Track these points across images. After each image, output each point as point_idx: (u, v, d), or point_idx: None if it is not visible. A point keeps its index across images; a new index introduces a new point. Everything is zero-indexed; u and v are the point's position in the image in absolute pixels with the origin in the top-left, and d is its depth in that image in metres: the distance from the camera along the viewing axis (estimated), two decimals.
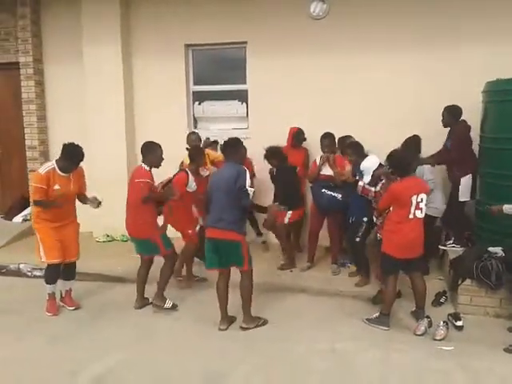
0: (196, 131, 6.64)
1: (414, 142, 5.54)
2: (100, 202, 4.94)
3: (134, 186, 4.68)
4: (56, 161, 4.66)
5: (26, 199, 7.55)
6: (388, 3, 6.34)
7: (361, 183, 4.94)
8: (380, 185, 4.87)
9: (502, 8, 5.94)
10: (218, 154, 5.89)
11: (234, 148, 4.48)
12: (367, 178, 4.97)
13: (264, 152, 5.90)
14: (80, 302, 5.09)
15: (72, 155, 4.61)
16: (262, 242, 6.76)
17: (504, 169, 5.02)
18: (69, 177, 4.69)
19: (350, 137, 5.95)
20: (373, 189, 4.79)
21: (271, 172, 6.13)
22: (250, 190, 4.25)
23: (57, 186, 4.58)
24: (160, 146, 4.82)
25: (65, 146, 4.62)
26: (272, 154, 5.91)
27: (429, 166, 5.44)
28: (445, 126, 5.58)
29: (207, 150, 5.91)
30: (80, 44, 7.17)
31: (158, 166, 4.81)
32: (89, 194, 5.01)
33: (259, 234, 6.81)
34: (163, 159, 4.84)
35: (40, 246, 4.72)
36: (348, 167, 5.57)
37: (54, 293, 4.91)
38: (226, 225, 4.24)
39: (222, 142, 4.69)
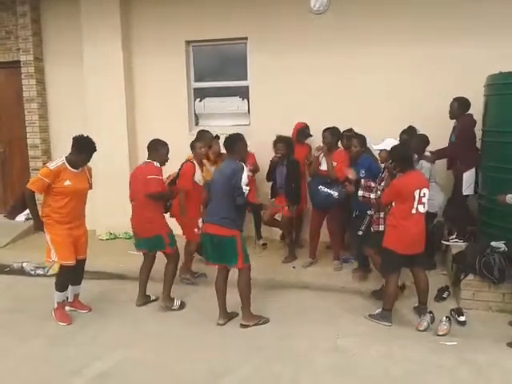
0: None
1: (416, 137, 5.48)
2: None
3: (146, 183, 4.60)
4: (66, 157, 4.45)
5: None
6: None
7: (360, 193, 4.82)
8: (379, 187, 4.77)
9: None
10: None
11: (233, 144, 4.47)
12: (373, 146, 4.98)
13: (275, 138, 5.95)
14: (84, 301, 5.02)
15: (86, 147, 4.43)
16: (263, 245, 6.70)
17: (506, 162, 4.99)
18: (80, 173, 4.51)
19: (351, 130, 5.93)
20: (372, 195, 4.70)
21: (275, 161, 6.02)
22: (245, 189, 4.25)
23: (67, 182, 4.37)
24: (166, 144, 4.78)
25: (76, 139, 4.42)
26: (285, 141, 5.93)
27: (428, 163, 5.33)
28: (451, 117, 5.53)
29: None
30: (80, 42, 7.16)
31: (162, 164, 4.79)
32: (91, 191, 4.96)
33: (260, 237, 6.79)
34: (168, 159, 4.81)
35: (51, 247, 4.47)
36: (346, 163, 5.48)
37: (63, 301, 4.68)
38: (220, 220, 4.26)
39: (224, 138, 4.67)
